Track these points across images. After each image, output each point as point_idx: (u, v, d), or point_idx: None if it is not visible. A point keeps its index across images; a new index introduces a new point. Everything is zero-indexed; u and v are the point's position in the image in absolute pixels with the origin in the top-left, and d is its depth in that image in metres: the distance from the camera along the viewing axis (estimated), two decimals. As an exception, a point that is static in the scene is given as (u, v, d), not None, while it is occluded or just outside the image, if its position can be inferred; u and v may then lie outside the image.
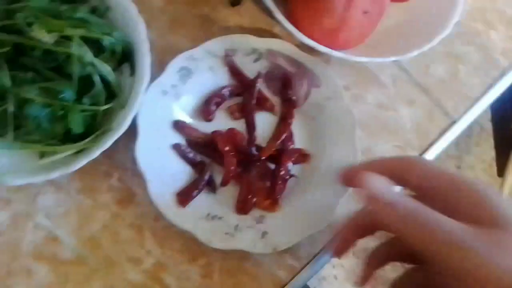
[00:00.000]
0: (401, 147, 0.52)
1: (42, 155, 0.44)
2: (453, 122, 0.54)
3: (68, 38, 0.42)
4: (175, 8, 0.54)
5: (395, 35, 0.51)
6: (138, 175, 0.48)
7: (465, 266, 0.30)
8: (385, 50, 0.50)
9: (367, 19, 0.46)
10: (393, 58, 0.49)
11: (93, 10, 0.46)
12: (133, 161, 0.47)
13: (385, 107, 0.53)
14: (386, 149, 0.52)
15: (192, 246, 0.46)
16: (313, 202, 0.46)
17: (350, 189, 0.45)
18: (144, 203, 0.47)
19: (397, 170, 0.35)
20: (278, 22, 0.53)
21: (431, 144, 0.53)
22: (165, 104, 0.48)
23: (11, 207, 0.46)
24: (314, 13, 0.46)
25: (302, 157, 0.49)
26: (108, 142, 0.41)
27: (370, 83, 0.54)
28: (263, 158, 0.48)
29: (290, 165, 0.48)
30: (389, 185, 0.34)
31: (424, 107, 0.54)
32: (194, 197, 0.46)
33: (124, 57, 0.46)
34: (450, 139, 0.53)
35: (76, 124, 0.41)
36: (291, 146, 0.50)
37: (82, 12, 0.42)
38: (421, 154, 0.52)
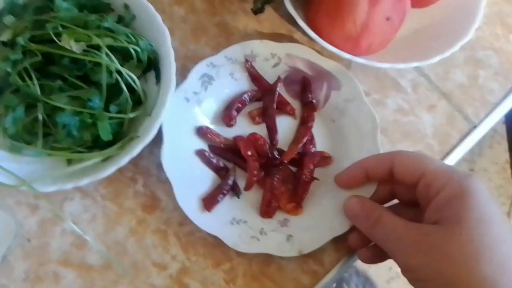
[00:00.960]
0: (422, 152, 0.52)
1: (70, 162, 0.45)
2: (474, 127, 0.54)
3: (95, 47, 0.43)
4: (196, 17, 0.54)
5: (416, 41, 0.51)
6: (162, 181, 0.48)
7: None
8: (406, 56, 0.50)
9: (389, 25, 0.46)
10: (414, 64, 0.49)
11: (119, 19, 0.46)
12: (158, 167, 0.48)
13: (406, 112, 0.53)
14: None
15: (216, 251, 0.47)
16: (336, 205, 0.47)
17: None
18: (169, 209, 0.48)
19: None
20: (297, 28, 0.54)
21: (451, 149, 0.53)
22: (188, 111, 0.49)
23: (38, 213, 0.47)
24: (337, 19, 0.46)
25: (323, 160, 0.50)
26: (136, 150, 0.42)
27: (390, 88, 0.54)
28: (286, 161, 0.49)
29: (312, 168, 0.49)
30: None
31: (445, 112, 0.54)
32: (219, 201, 0.47)
33: (149, 65, 0.46)
34: (470, 144, 0.53)
35: (105, 132, 0.42)
36: (313, 149, 0.50)
37: (109, 22, 0.43)
38: (442, 159, 0.52)
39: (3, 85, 0.44)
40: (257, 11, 0.49)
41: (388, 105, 0.53)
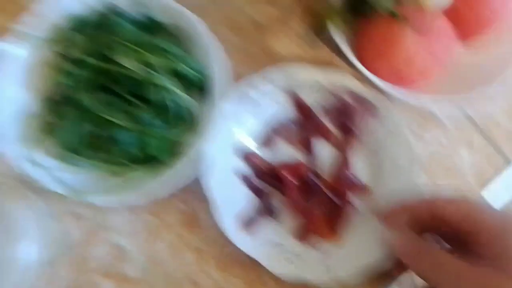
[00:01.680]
0: (460, 189, 0.52)
1: (116, 175, 0.46)
2: (510, 164, 0.54)
3: (151, 66, 0.44)
4: (241, 38, 0.56)
5: (456, 75, 0.52)
6: (203, 199, 0.49)
7: None
8: (446, 90, 0.51)
9: (433, 60, 0.47)
10: (453, 99, 0.50)
11: (173, 38, 0.48)
12: (198, 184, 0.49)
13: (444, 148, 0.54)
14: (444, 189, 0.52)
15: (252, 273, 0.48)
16: (372, 234, 0.47)
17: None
18: (208, 227, 0.49)
19: (429, 214, 0.41)
20: (340, 56, 0.55)
21: (488, 186, 0.53)
22: (230, 131, 0.50)
23: (82, 222, 0.49)
24: (383, 52, 0.47)
25: (361, 188, 0.51)
26: (188, 169, 0.43)
27: (429, 121, 0.54)
28: (324, 188, 0.50)
29: (349, 196, 0.50)
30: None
31: (483, 149, 0.54)
32: (258, 224, 0.48)
33: (199, 86, 0.48)
34: (508, 182, 0.53)
35: (158, 149, 0.43)
36: (351, 177, 0.51)
37: (166, 43, 0.45)
38: (479, 196, 0.53)
39: (60, 97, 0.46)
40: (310, 42, 0.50)
41: (427, 140, 0.54)
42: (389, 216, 0.45)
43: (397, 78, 0.49)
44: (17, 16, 0.54)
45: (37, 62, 0.47)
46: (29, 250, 0.47)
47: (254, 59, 0.55)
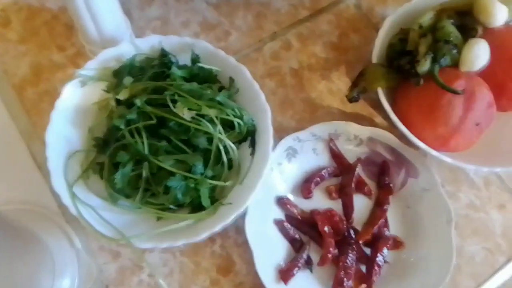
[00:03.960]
0: (490, 250, 0.53)
1: (160, 217, 0.47)
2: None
3: (202, 116, 0.46)
4: (284, 91, 0.58)
5: (495, 144, 0.53)
6: (239, 244, 0.50)
7: None
8: (484, 158, 0.52)
9: (477, 130, 0.49)
10: (496, 169, 0.51)
11: (224, 89, 0.50)
12: (236, 230, 0.50)
13: (476, 208, 0.55)
14: (475, 250, 0.53)
15: (285, 322, 0.48)
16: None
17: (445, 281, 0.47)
18: (242, 273, 0.49)
19: None
20: (378, 113, 0.57)
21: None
22: (271, 180, 0.51)
23: (119, 260, 0.49)
24: (430, 119, 0.49)
25: (396, 244, 0.51)
26: (230, 218, 0.44)
27: (463, 182, 0.55)
28: (360, 241, 0.50)
29: (385, 251, 0.50)
30: None
31: (514, 212, 0.55)
32: (295, 274, 0.48)
33: (246, 137, 0.49)
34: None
35: (205, 197, 0.44)
36: (386, 232, 0.52)
37: (221, 96, 0.46)
38: (509, 260, 0.53)
39: (111, 138, 0.47)
40: (352, 99, 0.52)
41: (460, 199, 0.55)
42: None
43: (442, 145, 0.50)
44: (74, 55, 0.57)
45: (91, 103, 0.49)
46: (64, 284, 0.48)
47: (295, 109, 0.57)
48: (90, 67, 0.49)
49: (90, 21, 0.49)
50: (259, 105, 0.48)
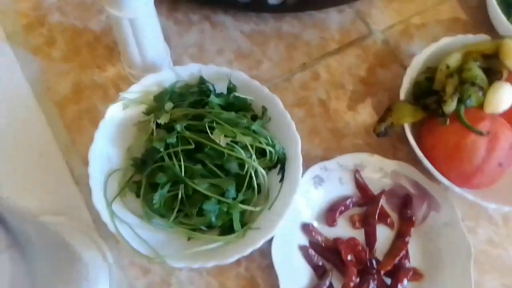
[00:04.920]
0: (508, 286, 0.54)
1: (192, 238, 0.49)
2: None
3: (236, 142, 0.48)
4: (312, 120, 0.60)
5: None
6: (263, 268, 0.52)
7: None
8: (505, 196, 0.53)
9: (500, 170, 0.51)
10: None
11: (258, 120, 0.52)
12: (261, 254, 0.52)
13: (495, 244, 0.56)
14: (493, 285, 0.54)
15: None
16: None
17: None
18: (266, 296, 0.51)
19: None
20: (402, 147, 0.59)
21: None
22: (297, 206, 0.53)
23: (149, 276, 0.51)
24: (454, 158, 0.51)
25: (416, 276, 0.53)
26: (259, 242, 0.46)
27: (482, 218, 0.57)
28: (382, 272, 0.52)
29: (405, 282, 0.52)
30: None
31: (532, 250, 0.57)
32: (317, 301, 0.50)
33: (276, 164, 0.51)
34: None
35: (236, 220, 0.46)
36: (407, 264, 0.53)
37: (255, 126, 0.49)
38: (526, 296, 0.54)
39: (147, 158, 0.49)
40: (380, 134, 0.54)
41: (479, 234, 0.56)
42: None
43: (465, 182, 0.52)
44: (114, 76, 0.60)
45: (131, 124, 0.52)
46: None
47: (322, 138, 0.59)
48: (133, 91, 0.51)
49: (135, 47, 0.52)
50: (290, 134, 0.50)
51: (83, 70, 0.61)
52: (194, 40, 0.64)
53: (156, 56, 0.55)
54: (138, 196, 0.50)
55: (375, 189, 0.56)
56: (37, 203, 0.54)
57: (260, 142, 0.49)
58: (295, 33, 0.66)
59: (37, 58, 0.61)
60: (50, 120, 0.58)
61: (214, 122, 0.48)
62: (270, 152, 0.49)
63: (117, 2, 0.47)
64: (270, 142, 0.50)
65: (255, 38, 0.65)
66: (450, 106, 0.51)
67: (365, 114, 0.61)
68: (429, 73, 0.57)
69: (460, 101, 0.52)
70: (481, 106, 0.53)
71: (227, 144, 0.48)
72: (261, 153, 0.50)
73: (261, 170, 0.49)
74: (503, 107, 0.52)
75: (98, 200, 0.47)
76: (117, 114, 0.51)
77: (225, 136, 0.47)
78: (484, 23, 0.68)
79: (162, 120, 0.49)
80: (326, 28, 0.66)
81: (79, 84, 0.60)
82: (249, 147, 0.47)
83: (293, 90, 0.62)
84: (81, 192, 0.54)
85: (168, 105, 0.50)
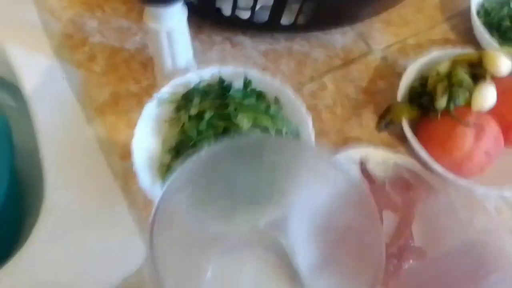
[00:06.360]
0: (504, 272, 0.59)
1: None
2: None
3: (260, 127, 0.56)
4: (320, 125, 0.67)
5: (504, 174, 0.62)
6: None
7: None
8: (494, 180, 0.60)
9: (486, 158, 0.58)
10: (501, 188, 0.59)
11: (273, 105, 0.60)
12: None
13: (489, 231, 0.62)
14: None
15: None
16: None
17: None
18: None
19: None
20: (401, 143, 0.66)
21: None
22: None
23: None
24: (446, 146, 0.59)
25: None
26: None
27: (476, 207, 0.63)
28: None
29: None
30: None
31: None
32: None
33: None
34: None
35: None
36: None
37: (272, 109, 0.57)
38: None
39: (181, 147, 0.57)
40: (380, 128, 0.62)
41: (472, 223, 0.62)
42: None
43: (457, 170, 0.59)
44: (147, 86, 0.69)
45: (163, 121, 0.60)
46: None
47: (330, 140, 0.67)
48: (165, 91, 0.60)
49: (169, 56, 0.61)
50: (300, 115, 0.58)
51: (119, 82, 0.70)
52: (216, 57, 0.73)
53: (186, 64, 0.64)
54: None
55: (380, 179, 0.63)
56: (79, 193, 0.61)
57: (277, 124, 0.57)
58: (304, 51, 0.75)
59: (80, 71, 0.70)
60: (91, 123, 0.66)
61: (236, 109, 0.56)
62: (286, 132, 0.57)
63: (157, 18, 0.57)
64: (285, 123, 0.57)
65: (270, 55, 0.74)
66: (441, 102, 0.60)
67: (368, 119, 0.69)
68: (422, 80, 0.66)
69: (450, 100, 0.60)
70: (468, 105, 0.61)
71: (250, 126, 0.55)
72: (279, 133, 0.58)
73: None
74: (488, 104, 0.60)
75: (144, 181, 0.54)
76: (152, 111, 0.59)
77: (248, 120, 0.55)
78: (471, 43, 0.77)
79: (193, 112, 0.57)
80: (331, 48, 0.76)
81: (116, 94, 0.68)
82: (269, 128, 0.55)
83: (303, 99, 0.69)
84: (119, 186, 0.61)
85: (196, 100, 0.58)
